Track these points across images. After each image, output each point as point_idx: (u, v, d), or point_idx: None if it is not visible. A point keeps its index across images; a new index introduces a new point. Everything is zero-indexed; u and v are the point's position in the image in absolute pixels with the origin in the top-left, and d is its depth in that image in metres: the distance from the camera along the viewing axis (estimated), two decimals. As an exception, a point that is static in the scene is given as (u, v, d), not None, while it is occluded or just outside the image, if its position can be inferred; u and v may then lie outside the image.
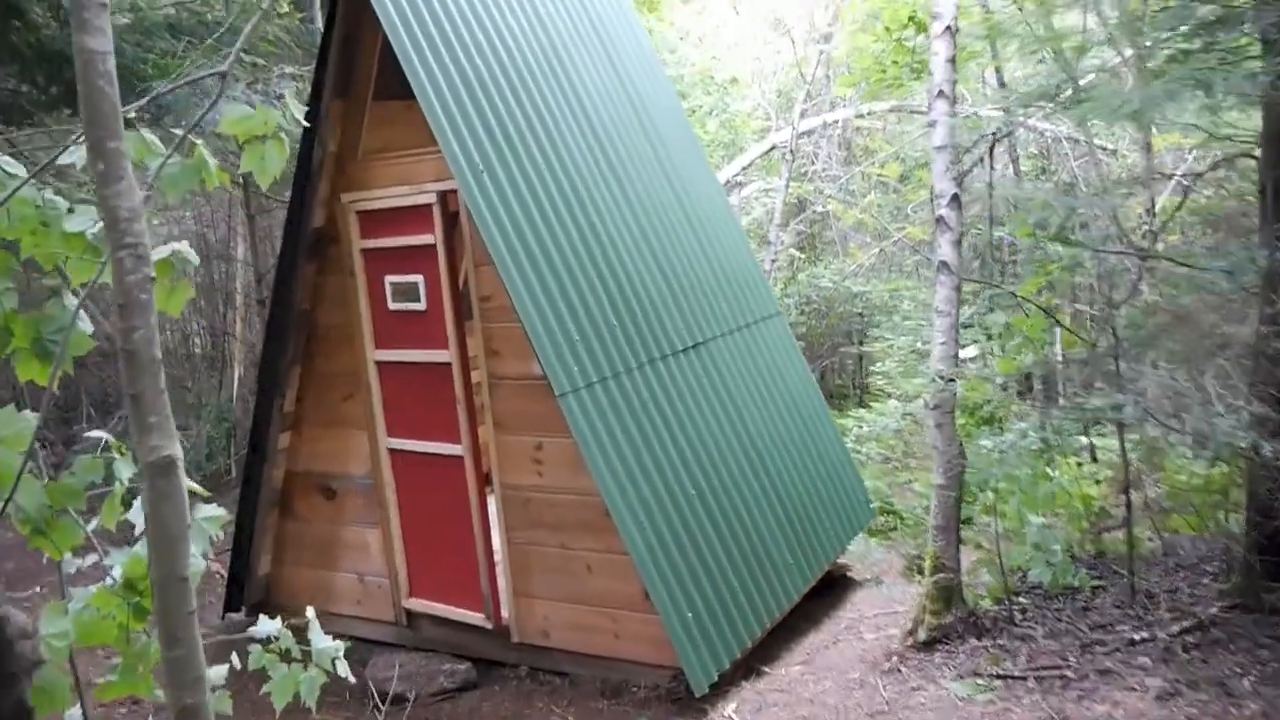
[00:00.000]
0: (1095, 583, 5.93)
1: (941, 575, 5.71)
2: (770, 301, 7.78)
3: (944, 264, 5.79)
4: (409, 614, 6.65)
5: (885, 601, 6.87)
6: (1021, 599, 5.91)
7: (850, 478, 7.66)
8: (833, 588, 7.21)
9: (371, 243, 6.22)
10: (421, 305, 6.07)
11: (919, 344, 20.35)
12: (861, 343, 19.15)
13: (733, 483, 6.31)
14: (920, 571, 6.39)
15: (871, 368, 19.83)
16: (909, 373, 20.70)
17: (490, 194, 5.61)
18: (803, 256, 13.91)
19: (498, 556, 6.28)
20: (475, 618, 6.26)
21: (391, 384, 6.37)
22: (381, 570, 6.72)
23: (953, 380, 5.72)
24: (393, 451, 6.45)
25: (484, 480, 6.14)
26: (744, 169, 13.36)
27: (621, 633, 5.85)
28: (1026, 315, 6.59)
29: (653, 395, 6.04)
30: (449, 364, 5.98)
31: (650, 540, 5.55)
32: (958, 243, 5.82)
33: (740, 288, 7.44)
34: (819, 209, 12.55)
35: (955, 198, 5.80)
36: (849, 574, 7.54)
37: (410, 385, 6.27)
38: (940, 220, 5.81)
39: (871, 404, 16.61)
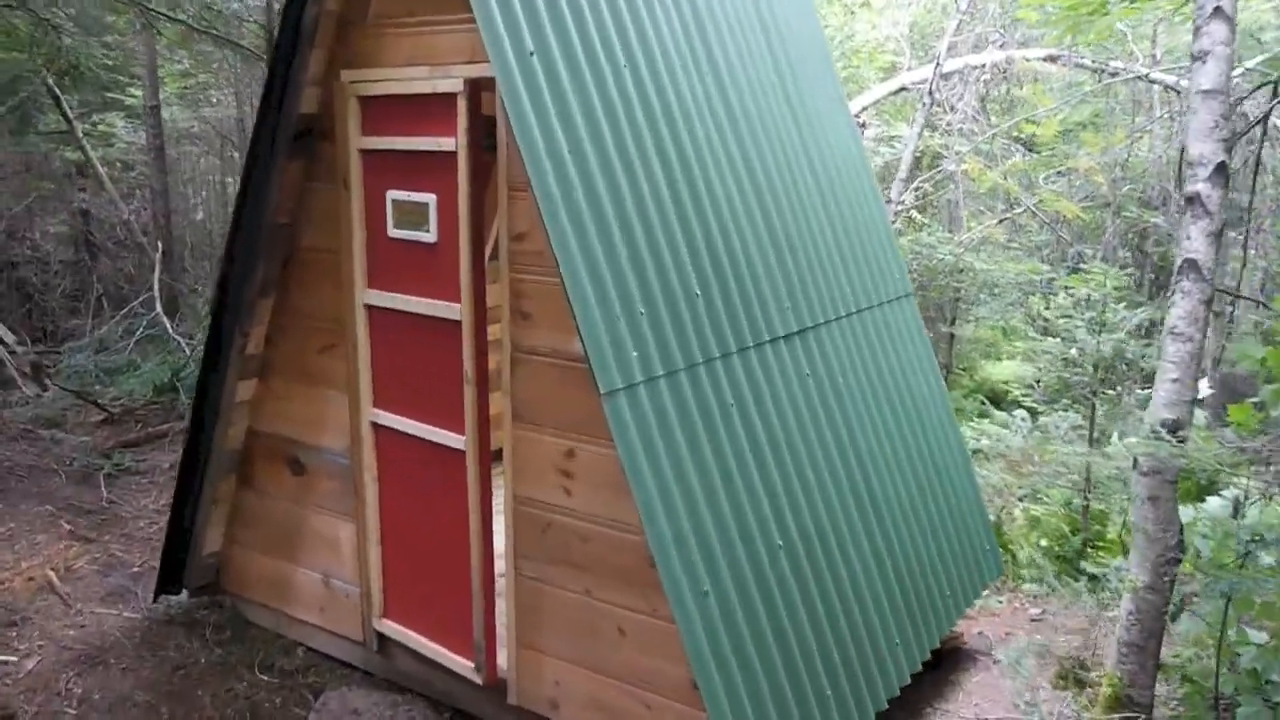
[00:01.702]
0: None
1: (1126, 715, 3.93)
2: (902, 277, 5.93)
3: (1191, 264, 3.91)
4: (381, 638, 5.05)
5: (1010, 696, 5.10)
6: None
7: (976, 517, 5.85)
8: (940, 662, 5.44)
9: (374, 142, 4.50)
10: (431, 235, 4.35)
11: (1005, 321, 18.34)
12: (954, 321, 17.17)
13: (834, 530, 4.55)
14: (1079, 684, 4.60)
15: (957, 348, 17.89)
16: (987, 354, 18.70)
17: (540, 88, 3.84)
18: (924, 220, 11.91)
19: (500, 590, 4.63)
20: (462, 666, 4.63)
21: (383, 337, 4.69)
22: (352, 576, 5.11)
23: (1183, 437, 3.88)
24: (377, 427, 4.80)
25: (490, 487, 4.45)
26: (863, 109, 11.35)
27: (656, 725, 4.18)
28: None
29: (739, 399, 4.28)
30: (459, 323, 4.27)
31: (710, 610, 3.84)
32: (1217, 235, 3.92)
33: (868, 258, 5.59)
34: (950, 166, 10.53)
35: (1221, 169, 3.90)
36: (960, 642, 5.77)
37: (407, 342, 4.59)
38: (1193, 200, 3.92)
39: (980, 402, 14.71)
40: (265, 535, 5.48)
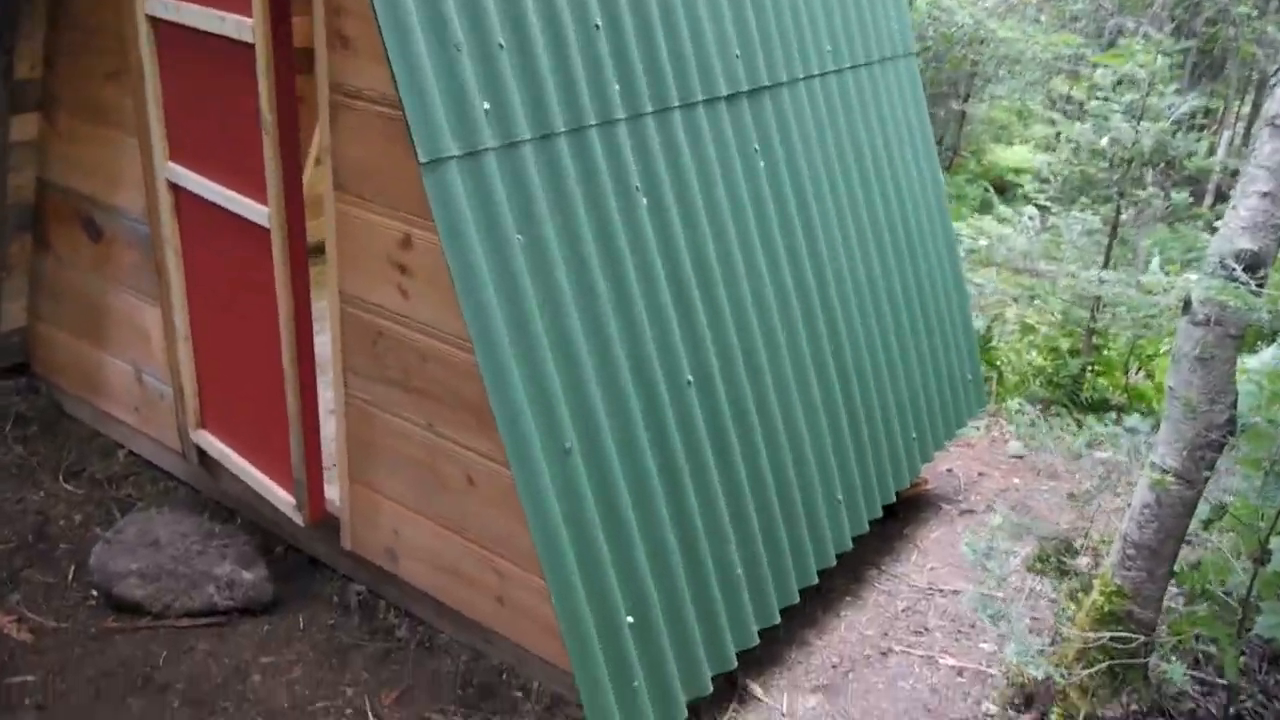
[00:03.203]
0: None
1: (1120, 634, 2.96)
2: (902, 30, 4.56)
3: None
4: (202, 452, 4.04)
5: (973, 563, 4.15)
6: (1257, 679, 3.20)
7: (960, 340, 4.75)
8: (895, 513, 4.48)
9: None
10: (215, -87, 3.00)
11: (1024, 102, 16.73)
12: (967, 98, 15.59)
13: (770, 360, 3.45)
14: (1062, 571, 3.62)
15: (967, 129, 16.33)
16: (998, 138, 17.19)
17: None
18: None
19: (325, 411, 3.58)
20: (282, 499, 3.64)
21: (173, 64, 3.42)
22: (165, 373, 4.04)
23: (1264, 277, 2.72)
24: (175, 188, 3.60)
25: (306, 277, 3.31)
26: None
27: (509, 597, 3.22)
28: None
29: (650, 181, 3.08)
30: (251, 46, 2.99)
31: (574, 473, 2.80)
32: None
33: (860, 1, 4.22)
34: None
35: None
36: (923, 488, 4.81)
37: (200, 72, 3.32)
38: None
39: (984, 190, 13.37)
40: (71, 313, 4.37)
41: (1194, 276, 2.74)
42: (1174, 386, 2.90)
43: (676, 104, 3.20)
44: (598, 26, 2.93)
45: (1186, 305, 2.86)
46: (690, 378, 3.13)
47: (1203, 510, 3.11)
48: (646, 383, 2.98)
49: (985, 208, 12.98)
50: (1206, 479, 2.92)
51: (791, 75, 3.74)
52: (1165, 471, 2.90)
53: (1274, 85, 2.82)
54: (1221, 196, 13.59)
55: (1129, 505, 3.08)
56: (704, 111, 3.31)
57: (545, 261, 2.73)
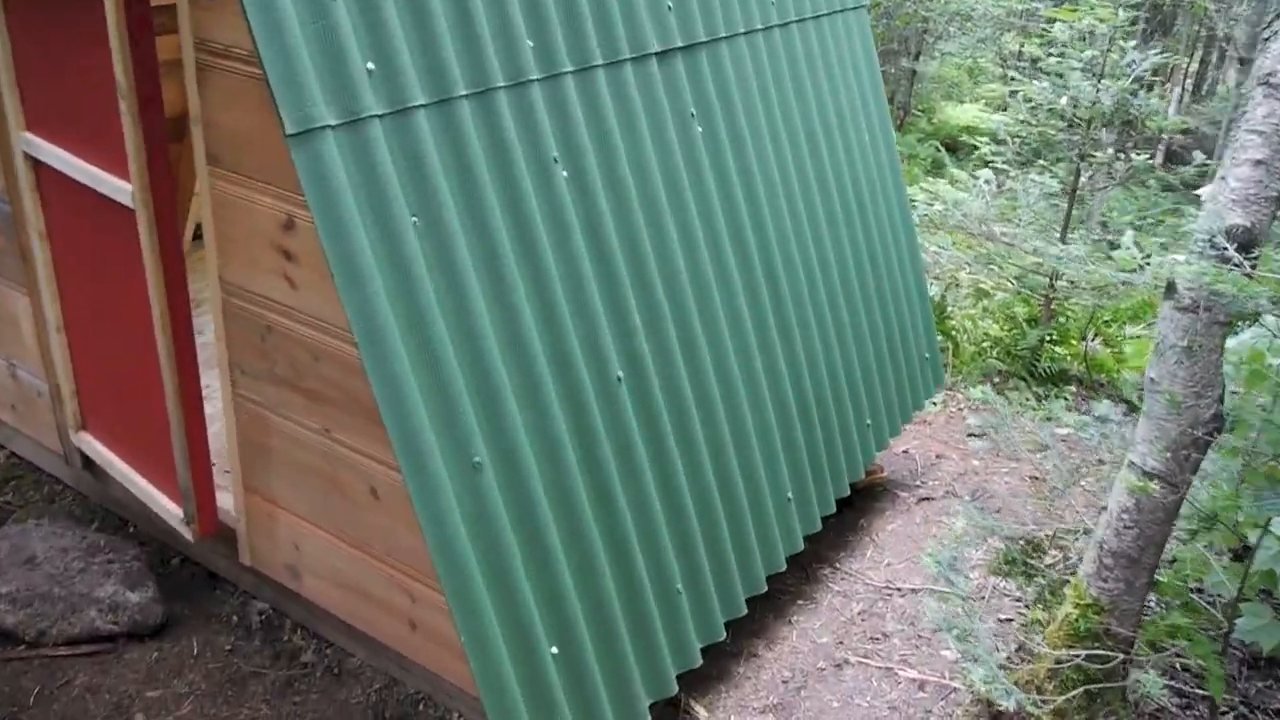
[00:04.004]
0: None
1: (1097, 653, 2.68)
2: (852, -19, 4.20)
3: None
4: (86, 456, 3.63)
5: (936, 574, 3.87)
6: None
7: (917, 315, 4.45)
8: (850, 502, 4.19)
9: None
10: None
11: (973, 60, 16.43)
12: (918, 56, 15.31)
13: (712, 348, 3.11)
14: (1028, 574, 3.34)
15: (918, 87, 16.03)
16: (949, 95, 16.91)
17: None
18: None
19: (212, 414, 3.19)
20: (170, 511, 3.25)
21: (23, 21, 2.97)
22: (38, 368, 3.62)
23: (1256, 257, 2.42)
24: (35, 162, 3.16)
25: (180, 263, 2.90)
26: None
27: (422, 621, 2.87)
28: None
29: (570, 151, 2.71)
30: (100, -2, 2.57)
31: (484, 491, 2.44)
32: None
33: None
34: None
35: None
36: (878, 476, 4.52)
37: (49, 29, 2.88)
38: None
39: (935, 149, 13.10)
40: (-65, 301, 3.92)
41: (1179, 258, 2.43)
42: (1156, 379, 2.60)
43: (600, 62, 2.82)
44: (505, -27, 2.55)
45: (1170, 289, 2.55)
46: (620, 373, 2.78)
47: (1186, 513, 2.83)
48: (570, 381, 2.63)
49: (937, 167, 12.72)
50: (1190, 480, 2.64)
51: (731, 29, 3.38)
52: (1147, 474, 2.61)
53: (1267, 39, 2.50)
54: (1172, 156, 13.43)
55: (1102, 506, 2.79)
56: (632, 71, 2.94)
57: (446, 247, 2.36)
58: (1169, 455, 2.59)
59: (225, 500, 3.26)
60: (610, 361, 2.75)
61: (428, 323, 2.30)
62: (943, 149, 13.81)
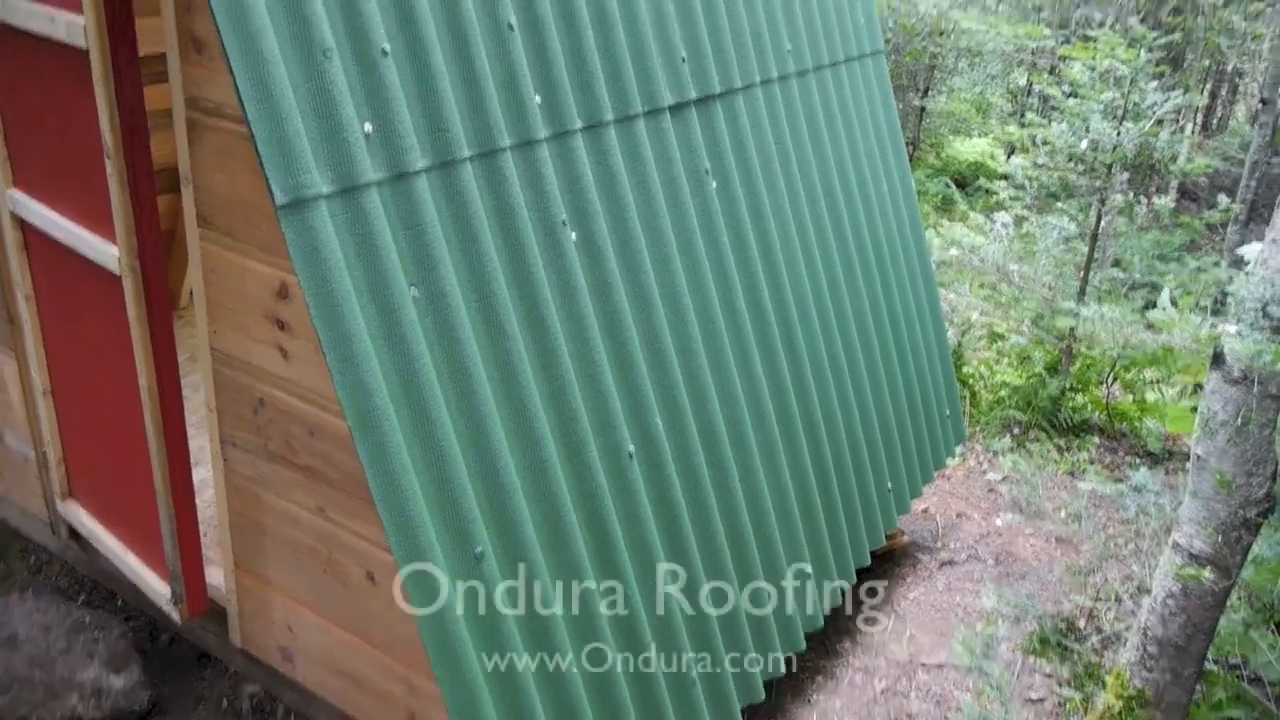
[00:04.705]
0: None
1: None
2: (870, 27, 4.07)
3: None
4: (72, 526, 3.47)
5: (968, 667, 3.67)
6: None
7: (938, 371, 4.28)
8: (870, 568, 3.99)
9: None
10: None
11: (983, 92, 16.33)
12: (926, 93, 15.23)
13: (729, 420, 2.94)
14: (1062, 653, 3.14)
15: (927, 122, 15.94)
16: (959, 131, 16.82)
17: None
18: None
19: (202, 494, 3.03)
20: (157, 590, 3.08)
21: (10, 72, 2.85)
22: (26, 433, 3.47)
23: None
24: (21, 222, 3.02)
25: (170, 332, 2.75)
26: None
27: (421, 714, 2.69)
28: None
29: (579, 214, 2.56)
30: (85, 52, 2.43)
31: (488, 576, 2.28)
32: None
33: (820, -10, 3.72)
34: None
35: None
36: (898, 541, 4.33)
37: (36, 81, 2.75)
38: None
39: (945, 185, 12.97)
40: (-80, 361, 3.78)
41: (1231, 329, 2.27)
42: (1203, 455, 2.43)
43: (611, 118, 2.68)
44: (511, 27, 2.41)
45: (1218, 359, 2.39)
46: (632, 449, 2.61)
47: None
48: (579, 460, 2.47)
49: (947, 204, 12.59)
50: (1241, 564, 2.46)
51: (747, 80, 3.24)
52: (1194, 557, 2.43)
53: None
54: (1185, 192, 13.28)
55: (1138, 586, 2.61)
56: (645, 126, 2.80)
57: (447, 321, 2.21)
58: (1219, 538, 2.41)
59: (215, 576, 3.09)
60: (622, 437, 2.59)
61: (427, 403, 2.15)
62: (952, 185, 13.70)
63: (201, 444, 3.11)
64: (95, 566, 3.58)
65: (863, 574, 3.80)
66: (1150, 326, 4.31)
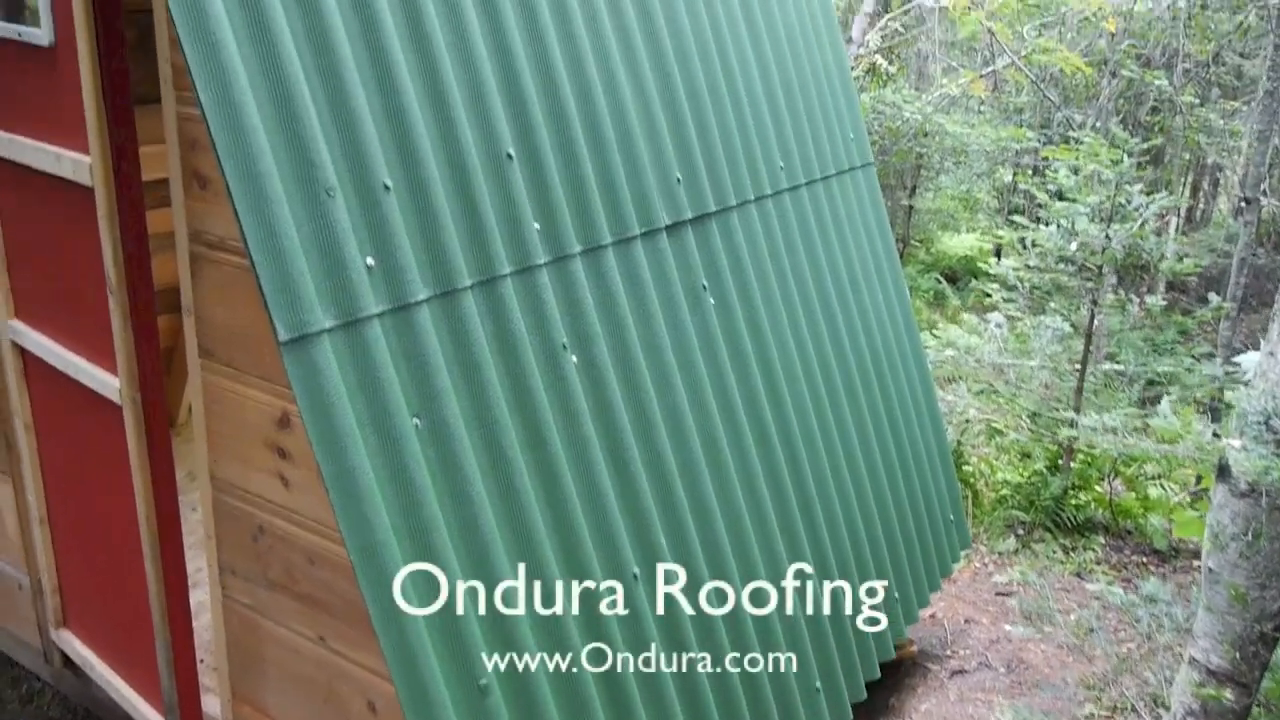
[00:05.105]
0: None
1: None
2: (859, 140, 4.16)
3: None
4: (66, 654, 3.41)
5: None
6: None
7: (941, 478, 4.27)
8: (877, 680, 3.92)
9: None
10: (45, 35, 2.51)
11: (970, 190, 16.58)
12: (913, 192, 15.48)
13: (735, 542, 2.92)
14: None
15: (915, 219, 16.18)
16: (947, 226, 17.05)
17: None
18: (891, 69, 10.01)
19: (199, 618, 2.99)
20: (152, 719, 3.02)
21: (13, 206, 2.90)
22: (20, 561, 3.43)
23: (1323, 437, 2.25)
24: (22, 351, 3.04)
25: (169, 461, 2.74)
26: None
27: None
28: None
29: (579, 337, 2.58)
30: (90, 190, 2.48)
31: (487, 707, 2.23)
32: None
33: (814, 112, 3.80)
34: (927, 1, 8.59)
35: None
36: (906, 651, 4.26)
37: (38, 216, 2.80)
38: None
39: (936, 280, 13.12)
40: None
41: (1235, 443, 2.27)
42: (1215, 569, 2.41)
43: (609, 241, 2.72)
44: (510, 156, 2.46)
45: (1224, 472, 2.39)
46: (637, 570, 2.59)
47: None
48: (584, 585, 2.44)
49: (939, 299, 12.71)
50: (1259, 679, 2.42)
51: (741, 197, 3.30)
52: (1211, 673, 2.39)
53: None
54: (1171, 285, 13.42)
55: (1163, 704, 2.56)
56: (642, 247, 2.84)
57: (450, 450, 2.20)
58: (1235, 653, 2.38)
59: (212, 705, 3.02)
60: (626, 560, 2.56)
61: (430, 534, 2.13)
62: (943, 280, 13.86)
63: (199, 565, 3.08)
64: (88, 695, 3.51)
65: (872, 687, 3.73)
66: (1148, 429, 4.32)
